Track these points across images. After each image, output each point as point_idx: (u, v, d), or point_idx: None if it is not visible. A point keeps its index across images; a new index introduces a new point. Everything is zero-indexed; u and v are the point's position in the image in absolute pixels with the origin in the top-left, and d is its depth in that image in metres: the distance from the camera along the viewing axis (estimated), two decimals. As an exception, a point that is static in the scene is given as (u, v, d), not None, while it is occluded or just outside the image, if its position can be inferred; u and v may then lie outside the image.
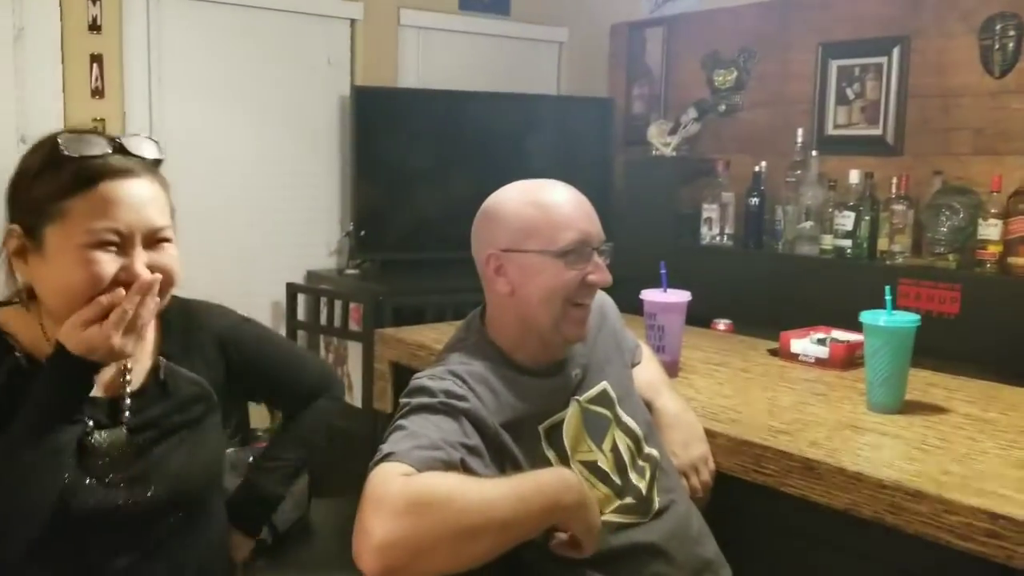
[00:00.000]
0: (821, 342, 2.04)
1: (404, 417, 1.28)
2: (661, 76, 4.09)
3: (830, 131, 3.40)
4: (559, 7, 4.20)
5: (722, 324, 2.56)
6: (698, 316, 2.68)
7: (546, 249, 1.38)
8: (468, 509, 1.13)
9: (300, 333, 3.47)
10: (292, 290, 3.43)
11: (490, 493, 1.17)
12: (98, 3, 3.02)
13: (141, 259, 1.16)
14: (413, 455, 1.19)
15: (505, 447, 1.31)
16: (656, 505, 1.42)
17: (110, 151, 1.16)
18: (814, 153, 3.28)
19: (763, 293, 3.15)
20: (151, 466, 1.26)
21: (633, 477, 1.43)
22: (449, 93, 3.72)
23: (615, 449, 1.44)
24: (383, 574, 1.08)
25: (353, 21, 3.68)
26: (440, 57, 3.95)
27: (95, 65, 3.03)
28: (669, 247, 3.56)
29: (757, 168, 3.41)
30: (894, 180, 3.00)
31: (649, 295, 1.92)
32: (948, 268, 2.84)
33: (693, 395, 1.78)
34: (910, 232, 2.97)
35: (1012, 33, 2.91)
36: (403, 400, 1.33)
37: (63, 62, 3.00)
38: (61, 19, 2.99)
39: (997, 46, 2.95)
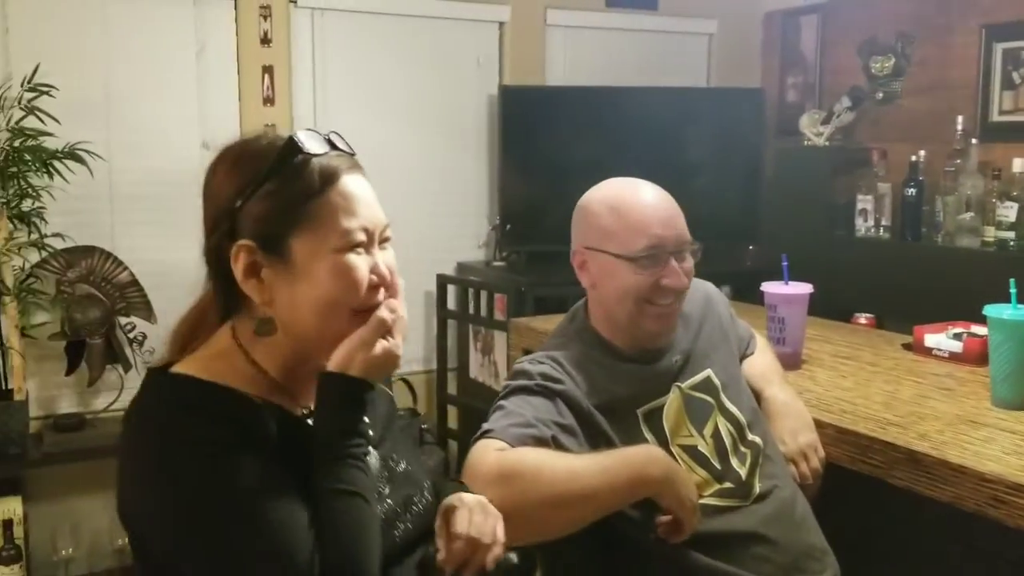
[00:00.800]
0: (957, 337, 1.97)
1: (504, 398, 1.38)
2: (815, 64, 3.98)
3: (995, 118, 3.21)
4: (708, -1, 4.17)
5: (863, 318, 2.50)
6: (842, 309, 2.64)
7: (621, 253, 1.44)
8: (555, 480, 1.22)
9: (450, 322, 3.64)
10: (442, 281, 3.61)
11: (576, 465, 1.25)
12: (269, 19, 3.29)
13: (381, 259, 1.04)
14: (508, 432, 1.29)
15: (599, 428, 1.38)
16: (757, 490, 1.45)
17: (329, 148, 1.03)
18: (974, 141, 3.11)
19: (915, 287, 3.03)
20: (396, 485, 1.11)
21: (734, 462, 1.46)
22: (594, 89, 3.78)
23: (716, 435, 1.48)
24: None
25: (501, 23, 3.81)
26: (587, 54, 4.01)
27: (266, 75, 3.30)
28: (823, 239, 3.49)
29: (914, 157, 3.27)
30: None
31: (770, 287, 1.93)
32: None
33: (811, 387, 1.78)
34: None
35: None
36: (505, 383, 1.43)
37: (239, 73, 3.29)
38: (237, 34, 3.28)
39: None
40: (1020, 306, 1.58)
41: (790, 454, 1.55)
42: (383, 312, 1.00)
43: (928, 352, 1.99)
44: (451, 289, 3.66)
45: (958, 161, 3.13)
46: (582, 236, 1.51)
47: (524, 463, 1.23)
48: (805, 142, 3.71)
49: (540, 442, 1.29)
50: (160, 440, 0.93)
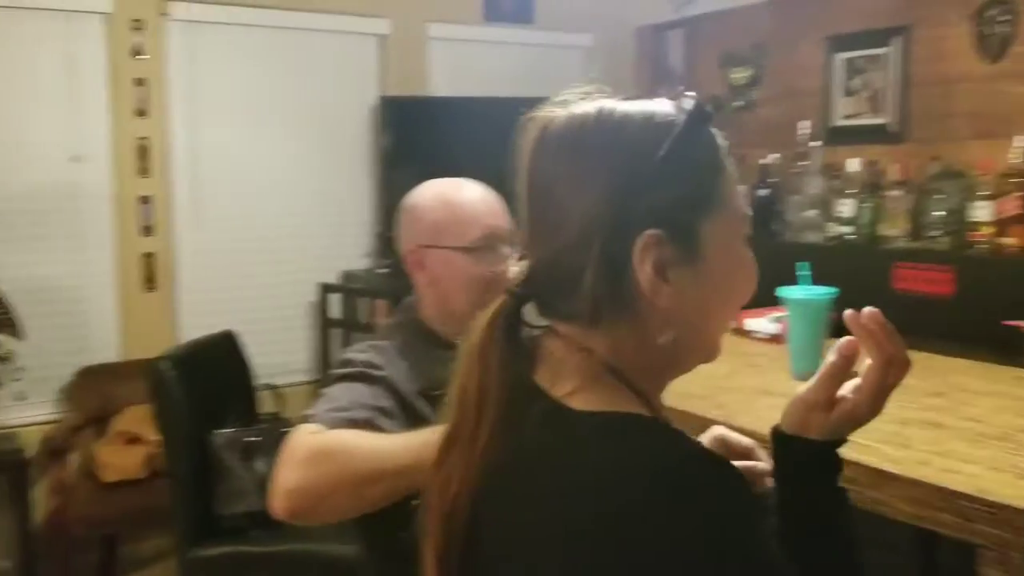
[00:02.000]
0: (777, 320, 2.15)
1: (328, 386, 1.47)
2: (683, 76, 4.20)
3: (837, 122, 3.45)
4: (583, 14, 4.35)
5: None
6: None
7: (458, 245, 1.53)
8: (366, 457, 1.31)
9: (334, 331, 3.71)
10: (324, 290, 3.68)
11: (387, 444, 1.34)
12: (141, 32, 3.32)
13: None
14: (325, 416, 1.38)
15: (420, 413, 1.48)
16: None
17: None
18: (818, 144, 3.34)
19: (767, 280, 3.22)
20: None
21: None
22: (473, 100, 3.91)
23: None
24: (290, 517, 1.27)
25: (382, 36, 3.91)
26: (468, 66, 4.15)
27: (139, 88, 3.33)
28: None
29: (763, 161, 3.49)
30: (894, 167, 3.05)
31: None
32: (942, 250, 2.88)
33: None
34: (909, 217, 3.01)
35: (1005, 19, 2.93)
36: (330, 372, 1.52)
37: (110, 86, 3.31)
38: (107, 47, 3.30)
39: (991, 32, 2.97)
40: (812, 287, 1.75)
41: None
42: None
43: (748, 334, 2.16)
44: (336, 298, 3.73)
45: (804, 163, 3.35)
46: (414, 236, 1.59)
47: (334, 443, 1.31)
48: (671, 148, 3.90)
49: (355, 424, 1.37)
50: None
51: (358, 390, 1.44)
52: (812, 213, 3.28)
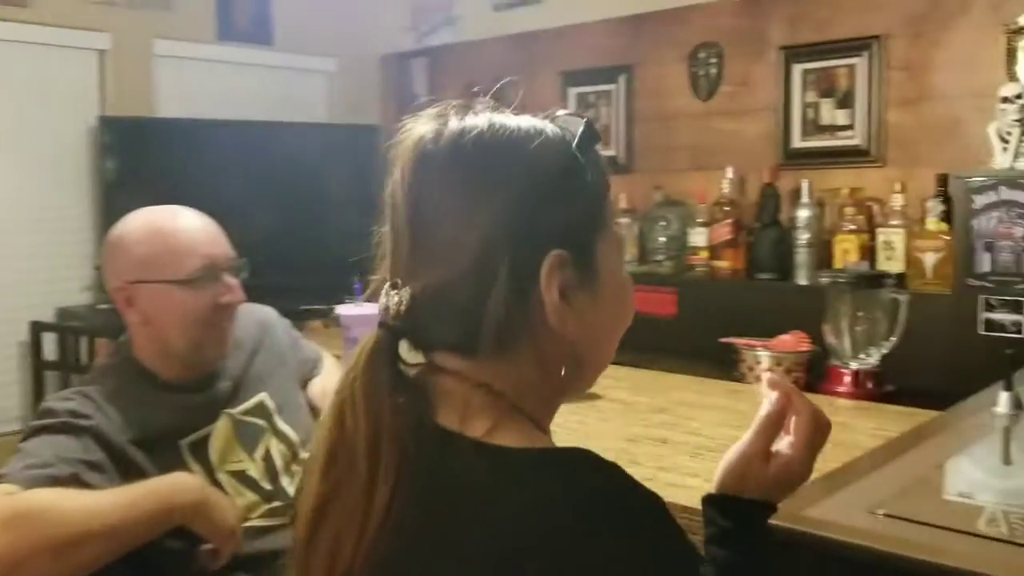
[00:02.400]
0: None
1: (25, 440, 1.30)
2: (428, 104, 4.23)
3: (572, 153, 3.62)
4: (327, 38, 4.27)
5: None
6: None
7: (174, 278, 1.42)
8: (67, 520, 1.16)
9: (50, 374, 3.35)
10: (37, 329, 3.31)
11: (94, 502, 1.20)
12: None
13: None
14: (22, 475, 1.22)
15: (134, 462, 1.35)
16: (307, 506, 1.49)
17: None
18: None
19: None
20: None
21: (285, 482, 1.50)
22: (208, 122, 3.70)
23: (268, 457, 1.51)
24: None
25: (101, 52, 3.62)
26: (201, 87, 3.93)
27: None
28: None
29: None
30: (622, 196, 3.24)
31: (344, 309, 2.00)
32: (666, 274, 3.09)
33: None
34: (636, 243, 3.21)
35: (714, 61, 3.22)
36: (30, 424, 1.35)
37: None
38: None
39: (703, 73, 3.25)
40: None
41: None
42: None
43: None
44: (51, 338, 3.37)
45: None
46: (123, 271, 1.45)
47: (32, 505, 1.16)
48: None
49: (57, 481, 1.23)
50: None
51: (61, 443, 1.29)
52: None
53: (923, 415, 1.71)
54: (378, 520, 0.68)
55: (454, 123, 0.75)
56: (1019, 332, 2.35)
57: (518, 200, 0.71)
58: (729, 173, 3.02)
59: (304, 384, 1.72)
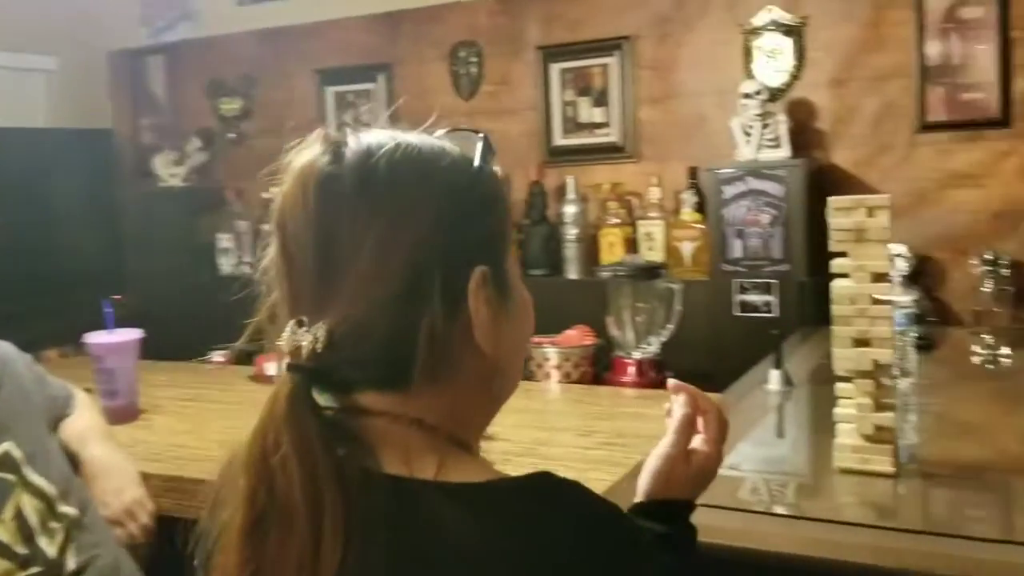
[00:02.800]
0: (297, 362, 2.05)
1: None
2: (167, 105, 3.92)
3: (333, 154, 3.49)
4: (45, 34, 3.82)
5: (219, 356, 2.48)
6: (208, 350, 2.60)
7: None
8: None
9: None
10: None
11: None
12: None
13: None
14: None
15: None
16: (71, 566, 1.30)
17: None
18: (315, 176, 3.33)
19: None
20: None
21: (43, 542, 1.29)
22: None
23: (20, 516, 1.29)
24: None
25: None
26: None
27: None
28: (188, 281, 3.44)
29: (266, 194, 3.39)
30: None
31: (93, 337, 1.78)
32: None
33: (146, 437, 1.68)
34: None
35: (474, 60, 3.22)
36: None
37: None
38: None
39: (463, 71, 3.24)
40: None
41: (114, 516, 1.43)
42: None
43: (270, 379, 2.03)
44: None
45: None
46: None
47: None
48: (161, 184, 3.62)
49: None
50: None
51: None
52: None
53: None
54: None
55: (354, 143, 0.69)
56: (771, 312, 2.54)
57: (441, 217, 0.68)
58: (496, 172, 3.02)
59: (55, 426, 1.50)
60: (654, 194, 2.84)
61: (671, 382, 0.92)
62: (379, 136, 0.70)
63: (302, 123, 2.86)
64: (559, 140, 3.10)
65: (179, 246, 3.53)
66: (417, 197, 0.68)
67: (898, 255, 2.53)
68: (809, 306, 2.46)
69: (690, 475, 0.87)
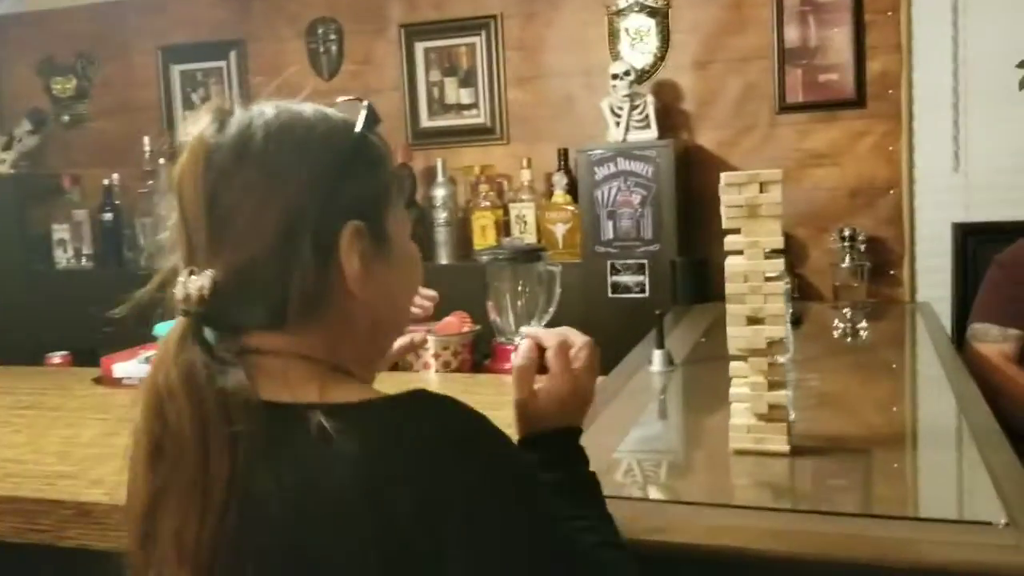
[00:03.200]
0: (148, 359, 1.88)
1: None
2: (-8, 84, 3.56)
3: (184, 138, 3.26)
4: None
5: (57, 357, 2.26)
6: (42, 350, 2.37)
7: None
8: None
9: None
10: None
11: None
12: None
13: None
14: None
15: None
16: None
17: None
18: (162, 161, 3.10)
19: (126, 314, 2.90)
20: None
21: None
22: None
23: None
24: None
25: None
26: None
27: None
28: (20, 275, 3.15)
29: (107, 181, 3.14)
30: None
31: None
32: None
33: (-26, 453, 1.48)
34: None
35: (334, 37, 3.07)
36: None
37: None
38: None
39: (323, 49, 3.09)
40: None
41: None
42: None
43: (119, 383, 1.85)
44: None
45: (151, 182, 3.08)
46: None
47: None
48: (-13, 170, 3.29)
49: None
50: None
51: None
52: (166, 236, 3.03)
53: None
54: (219, 503, 0.69)
55: (239, 112, 0.78)
56: (643, 292, 2.54)
57: (313, 179, 0.75)
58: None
59: None
60: (525, 176, 2.79)
61: (524, 329, 1.00)
62: (264, 105, 0.79)
63: (147, 103, 2.67)
64: (426, 122, 3.00)
65: (9, 239, 3.21)
66: (290, 160, 0.75)
67: (763, 234, 2.59)
68: (681, 285, 2.47)
69: (541, 408, 0.92)
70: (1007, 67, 2.35)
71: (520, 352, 0.95)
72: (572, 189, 2.72)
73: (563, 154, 2.76)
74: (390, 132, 2.91)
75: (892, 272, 2.61)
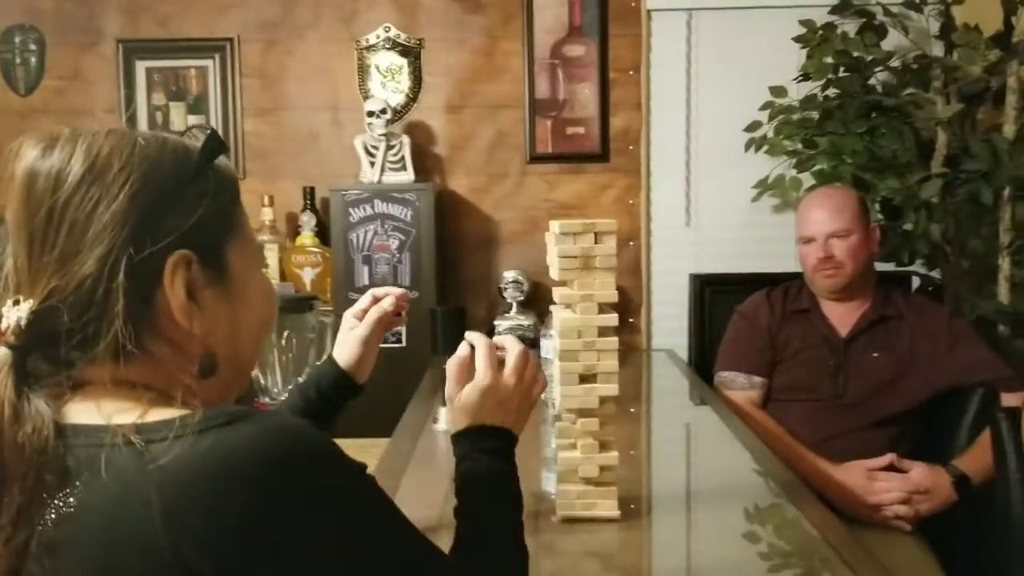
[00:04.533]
0: None
1: None
2: None
3: None
4: None
5: None
6: None
7: None
8: None
9: None
10: None
11: None
12: None
13: None
14: None
15: None
16: None
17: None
18: None
19: None
20: None
21: None
22: None
23: None
24: None
25: None
26: None
27: None
28: None
29: None
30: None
31: None
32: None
33: None
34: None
35: (34, 47, 2.66)
36: None
37: None
38: None
39: (19, 61, 2.66)
40: None
41: None
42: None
43: None
44: None
45: None
46: None
47: None
48: None
49: None
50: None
51: None
52: None
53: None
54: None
55: (67, 134, 0.72)
56: (400, 342, 2.42)
57: (137, 206, 0.71)
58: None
59: None
60: (266, 215, 2.56)
61: (471, 335, 0.98)
62: (94, 130, 0.73)
63: None
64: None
65: None
66: (114, 181, 0.70)
67: (514, 281, 2.58)
68: (441, 336, 2.38)
69: (460, 407, 0.93)
70: (735, 130, 2.54)
71: (460, 352, 0.96)
72: (321, 231, 2.54)
73: (310, 192, 2.58)
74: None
75: (631, 320, 2.71)
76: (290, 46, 2.68)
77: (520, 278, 2.59)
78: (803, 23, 2.43)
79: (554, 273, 1.11)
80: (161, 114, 2.69)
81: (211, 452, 0.65)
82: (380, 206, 2.39)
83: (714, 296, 2.53)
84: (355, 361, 1.11)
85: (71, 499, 0.66)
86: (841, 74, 2.39)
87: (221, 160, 0.78)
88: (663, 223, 2.71)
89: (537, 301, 2.66)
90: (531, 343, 2.51)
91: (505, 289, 2.57)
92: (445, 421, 1.63)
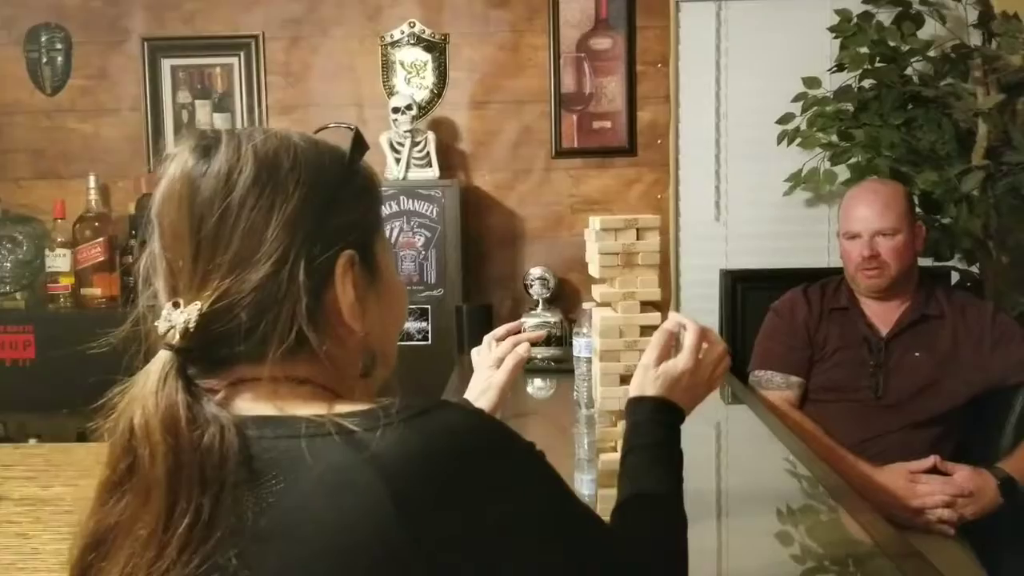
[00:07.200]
0: None
1: None
2: None
3: None
4: None
5: None
6: None
7: None
8: None
9: None
10: None
11: None
12: None
13: None
14: None
15: None
16: None
17: None
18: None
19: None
20: None
21: None
22: None
23: None
24: None
25: None
26: None
27: None
28: None
29: None
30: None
31: None
32: (17, 308, 2.44)
33: None
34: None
35: (60, 47, 2.65)
36: None
37: None
38: None
39: (45, 60, 2.65)
40: None
41: None
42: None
43: None
44: None
45: None
46: None
47: None
48: None
49: None
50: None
51: None
52: None
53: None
54: (173, 556, 0.64)
55: (226, 138, 0.72)
56: (426, 340, 2.39)
57: (306, 207, 0.71)
58: (91, 183, 2.50)
59: None
60: (291, 213, 2.54)
61: (674, 315, 1.01)
62: (252, 131, 0.74)
63: None
64: (173, 147, 2.65)
65: None
66: (283, 185, 0.70)
67: (540, 278, 2.54)
68: (468, 333, 2.35)
69: (652, 378, 0.95)
70: (767, 122, 2.49)
71: (668, 321, 0.99)
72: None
73: (334, 190, 2.56)
74: (128, 158, 2.57)
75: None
76: (314, 43, 2.66)
77: (546, 275, 2.55)
78: (838, 12, 2.38)
79: (594, 270, 1.08)
80: (187, 112, 2.67)
81: (433, 437, 0.65)
82: (405, 203, 2.36)
83: (745, 292, 2.48)
84: (493, 407, 1.11)
85: (270, 491, 0.64)
86: (877, 64, 2.33)
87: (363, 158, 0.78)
88: (692, 218, 2.67)
89: (562, 298, 2.62)
90: (558, 341, 2.48)
91: (531, 286, 2.53)
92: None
